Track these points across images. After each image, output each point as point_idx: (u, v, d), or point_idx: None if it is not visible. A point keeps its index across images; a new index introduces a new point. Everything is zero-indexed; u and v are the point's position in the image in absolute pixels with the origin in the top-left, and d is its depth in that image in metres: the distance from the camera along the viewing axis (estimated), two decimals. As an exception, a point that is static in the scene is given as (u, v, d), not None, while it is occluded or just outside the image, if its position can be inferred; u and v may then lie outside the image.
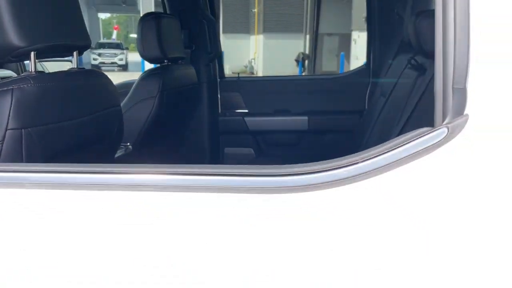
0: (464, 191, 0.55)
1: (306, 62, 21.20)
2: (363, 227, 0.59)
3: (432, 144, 0.52)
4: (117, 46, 22.44)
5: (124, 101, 1.91)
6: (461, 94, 0.52)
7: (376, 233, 0.59)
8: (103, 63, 20.27)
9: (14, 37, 1.01)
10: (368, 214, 0.59)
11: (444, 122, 0.53)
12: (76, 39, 1.23)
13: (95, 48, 21.53)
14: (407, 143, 0.55)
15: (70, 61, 1.31)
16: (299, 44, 23.39)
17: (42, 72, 1.18)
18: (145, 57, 1.95)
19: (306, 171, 0.59)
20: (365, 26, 14.80)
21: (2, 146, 1.00)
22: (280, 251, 0.61)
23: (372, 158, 0.57)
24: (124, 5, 25.47)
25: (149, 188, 0.66)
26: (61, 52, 1.24)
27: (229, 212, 0.63)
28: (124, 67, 21.00)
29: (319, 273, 0.60)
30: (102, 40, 25.26)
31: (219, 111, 2.63)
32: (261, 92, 2.77)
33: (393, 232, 0.58)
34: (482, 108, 0.50)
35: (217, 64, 2.68)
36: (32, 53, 1.08)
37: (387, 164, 0.56)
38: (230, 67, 16.31)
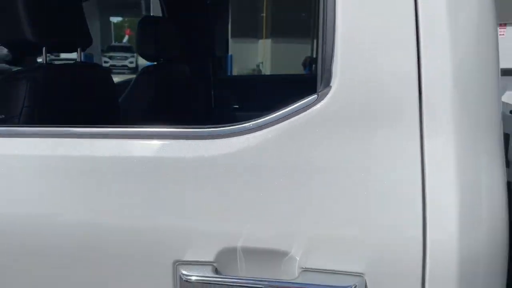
0: (324, 146, 0.77)
1: (314, 66, 21.23)
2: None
3: (304, 107, 0.75)
4: (127, 49, 22.91)
5: (123, 96, 2.16)
6: (328, 73, 0.76)
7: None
8: (114, 65, 20.70)
9: (29, 34, 1.27)
10: (239, 164, 0.77)
11: (317, 91, 0.76)
12: (80, 37, 1.49)
13: (106, 51, 22.00)
14: (291, 105, 0.78)
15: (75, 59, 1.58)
16: (307, 48, 23.53)
17: (51, 64, 1.45)
18: (142, 55, 2.21)
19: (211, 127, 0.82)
20: None
21: (19, 120, 1.25)
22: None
23: (260, 119, 0.80)
24: (135, 9, 25.89)
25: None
26: (67, 48, 1.50)
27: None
28: (134, 70, 21.42)
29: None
30: (113, 44, 25.74)
31: (212, 107, 2.89)
32: (252, 88, 3.01)
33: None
34: (343, 83, 0.73)
35: (211, 63, 2.93)
36: (44, 48, 1.35)
37: (266, 124, 0.78)
38: (238, 70, 16.58)
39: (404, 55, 0.71)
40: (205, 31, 2.75)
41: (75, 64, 1.58)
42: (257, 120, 0.77)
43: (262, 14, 25.09)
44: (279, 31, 24.78)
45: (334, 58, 0.74)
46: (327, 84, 0.74)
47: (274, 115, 0.76)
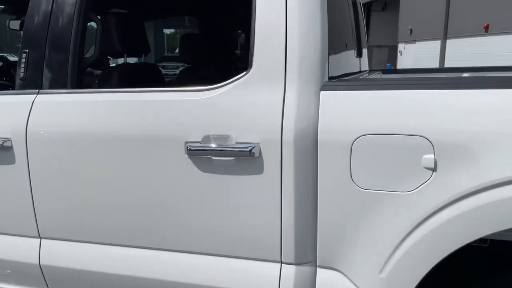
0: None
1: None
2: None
3: (243, 75, 1.64)
4: (179, 59, 24.41)
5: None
6: (252, 58, 1.67)
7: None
8: (166, 74, 22.20)
9: (118, 46, 2.25)
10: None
11: (247, 69, 1.66)
12: (143, 47, 2.48)
13: (160, 61, 23.56)
14: (238, 75, 1.69)
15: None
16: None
17: (128, 63, 2.46)
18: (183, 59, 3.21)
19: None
20: (410, 38, 15.98)
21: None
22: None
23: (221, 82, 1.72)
24: (187, 23, 27.38)
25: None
26: (136, 54, 2.50)
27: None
28: (185, 79, 22.90)
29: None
30: (166, 54, 27.36)
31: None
32: None
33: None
34: (257, 63, 1.63)
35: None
36: (125, 54, 2.35)
37: (224, 84, 1.71)
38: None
39: (281, 44, 1.57)
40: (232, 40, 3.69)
41: (140, 63, 2.59)
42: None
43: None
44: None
45: (254, 48, 1.64)
46: (251, 65, 1.65)
47: (229, 80, 1.66)
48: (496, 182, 1.29)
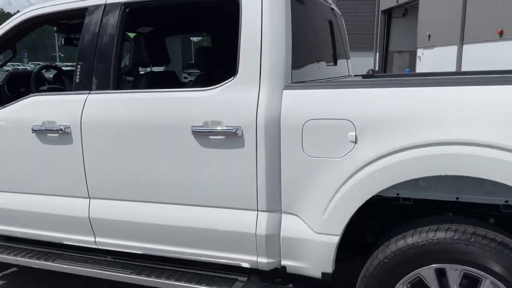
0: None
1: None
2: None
3: (231, 79, 2.32)
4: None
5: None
6: (237, 66, 2.36)
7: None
8: (191, 81, 23.16)
9: (146, 59, 2.99)
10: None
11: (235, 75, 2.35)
12: (165, 58, 3.23)
13: (186, 68, 24.56)
14: (227, 79, 2.40)
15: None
16: (369, 61, 24.47)
17: (153, 71, 3.21)
18: (197, 67, 3.94)
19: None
20: (428, 43, 16.64)
21: (141, 93, 3.00)
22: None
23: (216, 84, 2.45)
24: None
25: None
26: (158, 64, 3.25)
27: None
28: (210, 85, 23.81)
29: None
30: (192, 61, 28.40)
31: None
32: None
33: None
34: (242, 71, 2.29)
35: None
36: (151, 65, 3.10)
37: (219, 85, 2.42)
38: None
39: (257, 59, 2.27)
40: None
41: (162, 71, 3.33)
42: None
43: (326, 31, 26.37)
44: (342, 46, 25.75)
45: (239, 61, 2.34)
46: (236, 72, 2.35)
47: (221, 83, 2.37)
48: (388, 152, 1.95)
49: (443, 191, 2.08)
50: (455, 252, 1.93)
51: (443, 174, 1.90)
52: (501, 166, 1.81)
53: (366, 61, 24.58)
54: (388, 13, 24.08)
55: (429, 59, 18.04)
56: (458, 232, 1.94)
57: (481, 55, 14.70)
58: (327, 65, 3.05)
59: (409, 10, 22.50)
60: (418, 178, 2.00)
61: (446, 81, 2.09)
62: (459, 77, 2.74)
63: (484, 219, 2.16)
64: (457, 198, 2.10)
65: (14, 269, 3.58)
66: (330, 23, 3.19)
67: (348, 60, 3.72)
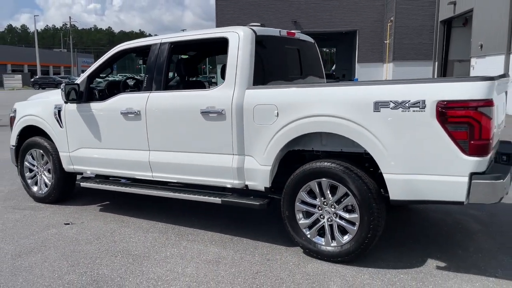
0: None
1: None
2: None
3: (214, 88, 4.32)
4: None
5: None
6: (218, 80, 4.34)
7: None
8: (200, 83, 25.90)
9: (183, 73, 5.11)
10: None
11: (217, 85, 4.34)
12: (194, 73, 5.34)
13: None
14: (211, 87, 4.39)
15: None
16: (428, 70, 25.18)
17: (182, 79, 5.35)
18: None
19: None
20: (480, 52, 18.29)
21: (180, 93, 5.11)
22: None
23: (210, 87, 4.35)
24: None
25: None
26: (192, 76, 5.39)
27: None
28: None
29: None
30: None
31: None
32: None
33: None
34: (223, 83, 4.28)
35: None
36: (186, 76, 5.23)
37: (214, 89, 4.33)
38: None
39: (234, 73, 4.22)
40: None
41: (194, 80, 5.47)
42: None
43: (385, 41, 27.49)
44: (400, 56, 26.80)
45: (226, 73, 4.34)
46: (223, 80, 4.34)
47: (216, 86, 4.38)
48: (292, 120, 3.84)
49: (334, 146, 3.92)
50: (328, 173, 3.77)
51: (314, 131, 3.77)
52: (334, 125, 3.66)
53: (425, 70, 25.33)
54: (448, 23, 24.68)
55: (482, 68, 18.48)
56: (333, 163, 3.78)
57: (527, 64, 15.24)
58: (293, 78, 4.94)
59: (470, 19, 22.96)
60: (322, 138, 3.87)
61: (326, 85, 3.97)
62: (341, 82, 4.55)
63: (355, 161, 3.94)
64: (341, 150, 3.94)
65: (107, 202, 5.85)
66: (298, 51, 5.10)
67: (323, 74, 5.58)
